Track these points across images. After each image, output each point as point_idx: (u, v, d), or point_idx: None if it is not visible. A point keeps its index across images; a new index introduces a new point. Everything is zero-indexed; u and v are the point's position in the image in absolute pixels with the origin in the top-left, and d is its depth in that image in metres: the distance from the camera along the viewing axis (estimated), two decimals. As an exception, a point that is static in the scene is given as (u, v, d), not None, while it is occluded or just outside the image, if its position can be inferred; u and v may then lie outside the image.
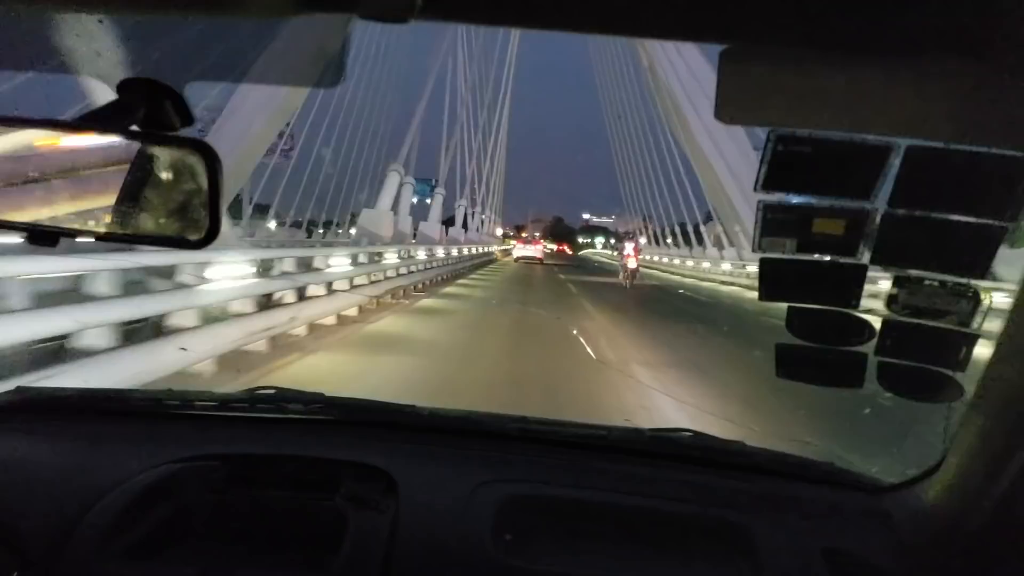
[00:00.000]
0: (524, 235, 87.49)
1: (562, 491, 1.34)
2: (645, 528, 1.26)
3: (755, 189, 1.02)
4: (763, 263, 1.11)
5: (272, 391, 1.68)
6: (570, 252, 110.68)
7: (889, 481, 1.35)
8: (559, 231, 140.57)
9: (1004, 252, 1.00)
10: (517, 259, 47.23)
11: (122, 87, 0.91)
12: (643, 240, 62.49)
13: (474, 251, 37.31)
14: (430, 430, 1.57)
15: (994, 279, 1.08)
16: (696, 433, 1.57)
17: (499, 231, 65.65)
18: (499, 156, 57.34)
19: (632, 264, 24.23)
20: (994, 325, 1.04)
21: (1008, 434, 1.00)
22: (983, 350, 1.06)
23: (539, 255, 48.20)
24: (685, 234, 46.87)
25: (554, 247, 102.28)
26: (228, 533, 1.22)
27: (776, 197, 1.06)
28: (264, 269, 9.28)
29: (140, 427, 1.53)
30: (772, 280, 1.13)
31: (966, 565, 1.09)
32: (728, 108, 0.93)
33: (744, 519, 1.26)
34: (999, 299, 1.05)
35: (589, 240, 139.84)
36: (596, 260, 69.76)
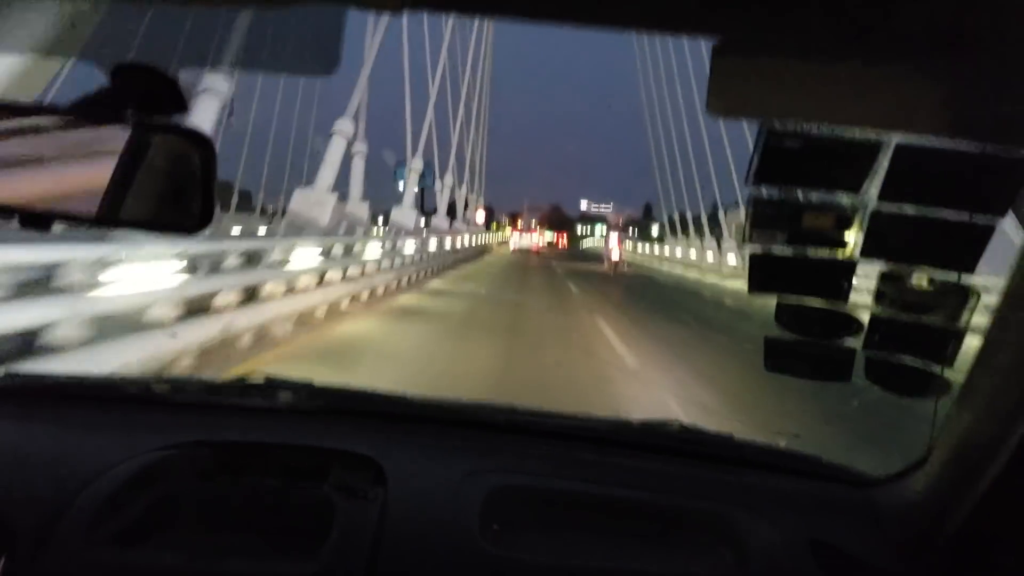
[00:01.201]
0: (520, 224, 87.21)
1: (550, 482, 1.35)
2: (632, 519, 1.27)
3: (745, 183, 1.02)
4: (753, 256, 1.12)
5: (261, 380, 1.68)
6: (565, 244, 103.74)
7: (876, 475, 1.37)
8: (556, 220, 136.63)
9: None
10: (515, 250, 48.04)
11: (116, 73, 0.91)
12: (655, 231, 62.43)
13: (476, 241, 38.52)
14: (419, 419, 1.58)
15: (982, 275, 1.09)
16: (684, 425, 1.58)
17: (480, 215, 52.42)
18: (483, 109, 50.21)
19: (615, 256, 28.07)
20: (981, 320, 1.05)
21: (993, 429, 1.01)
22: (970, 345, 1.07)
23: (536, 245, 49.55)
24: (713, 224, 44.50)
25: (551, 236, 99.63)
26: (216, 521, 1.22)
27: (766, 191, 1.06)
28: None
29: (129, 414, 1.52)
30: (761, 273, 1.13)
31: (951, 558, 1.10)
32: (719, 102, 0.93)
33: (731, 511, 1.27)
34: (986, 295, 1.06)
35: (588, 230, 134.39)
36: (595, 251, 65.93)
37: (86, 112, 0.94)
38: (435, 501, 1.25)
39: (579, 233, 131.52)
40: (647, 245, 61.94)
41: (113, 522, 1.14)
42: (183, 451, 1.32)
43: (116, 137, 0.95)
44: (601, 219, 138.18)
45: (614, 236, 30.04)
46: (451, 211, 35.88)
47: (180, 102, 0.94)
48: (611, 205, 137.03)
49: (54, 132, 0.95)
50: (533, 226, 71.23)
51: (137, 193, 0.96)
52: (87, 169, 0.96)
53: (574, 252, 64.26)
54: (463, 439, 1.50)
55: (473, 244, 36.77)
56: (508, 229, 71.89)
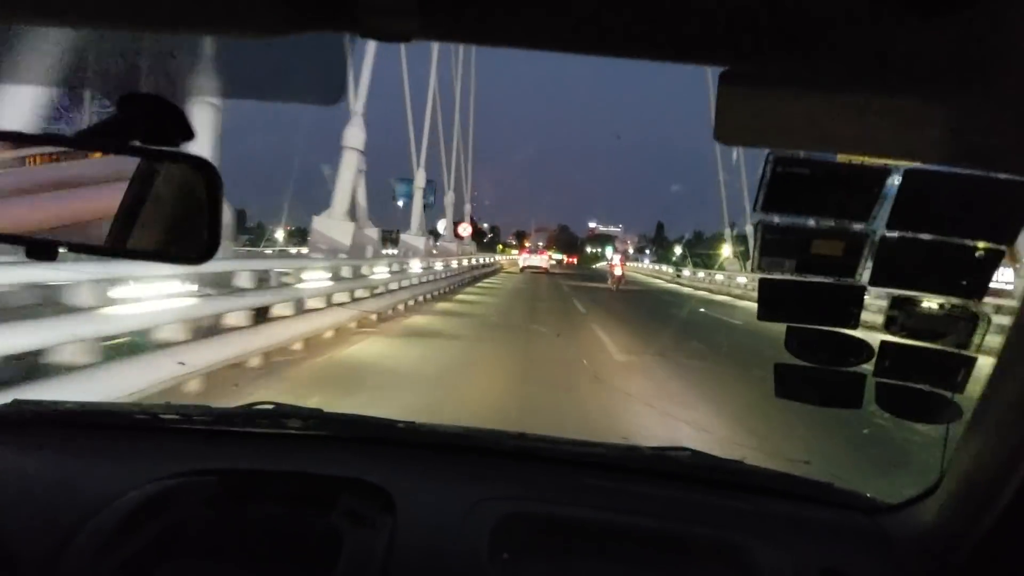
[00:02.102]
0: (527, 245, 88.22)
1: (560, 509, 1.34)
2: (642, 547, 1.26)
3: (753, 210, 1.02)
4: (762, 283, 1.11)
5: (270, 406, 1.68)
6: (574, 262, 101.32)
7: (887, 501, 1.35)
8: (564, 240, 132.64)
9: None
10: (523, 268, 48.85)
11: (123, 102, 0.92)
12: (677, 250, 62.88)
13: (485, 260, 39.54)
14: (428, 447, 1.57)
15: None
16: (694, 452, 1.56)
17: (466, 229, 40.82)
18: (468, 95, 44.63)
19: (618, 272, 31.70)
20: (992, 346, 1.04)
21: (1005, 455, 1.00)
22: (981, 372, 1.06)
23: (545, 265, 50.21)
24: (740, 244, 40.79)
25: (561, 257, 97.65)
26: (224, 549, 1.21)
27: (775, 218, 1.06)
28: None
29: (137, 441, 1.52)
30: (771, 300, 1.13)
31: None
32: (727, 129, 0.93)
33: (742, 538, 1.26)
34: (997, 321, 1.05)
35: (599, 250, 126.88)
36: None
37: (93, 142, 0.94)
38: (444, 529, 1.24)
39: (588, 253, 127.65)
40: (679, 269, 56.62)
41: (120, 550, 1.13)
42: (191, 479, 1.31)
43: (123, 167, 0.95)
44: (611, 239, 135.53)
45: (617, 258, 35.68)
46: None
47: (187, 131, 0.95)
48: (620, 227, 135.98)
49: (61, 162, 0.95)
50: (542, 248, 71.88)
51: (144, 223, 0.96)
52: (94, 199, 0.97)
53: (584, 274, 59.07)
54: (472, 466, 1.49)
55: (485, 263, 37.19)
56: (515, 252, 72.38)
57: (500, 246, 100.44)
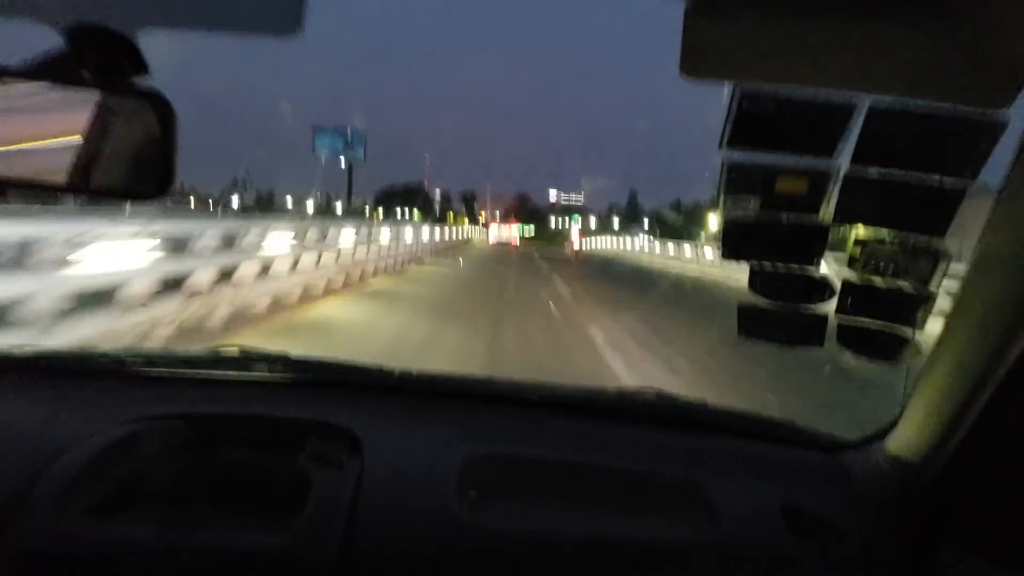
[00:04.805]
0: (482, 216, 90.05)
1: (526, 450, 1.35)
2: (607, 486, 1.28)
3: (719, 147, 1.01)
4: (726, 222, 1.11)
5: (236, 351, 1.66)
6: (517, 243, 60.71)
7: (847, 439, 1.38)
8: (524, 212, 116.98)
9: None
10: (494, 243, 56.47)
11: (72, 33, 0.88)
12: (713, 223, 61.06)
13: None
14: (396, 390, 1.57)
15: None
16: (660, 393, 1.58)
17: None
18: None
19: (576, 245, 37.96)
20: (952, 284, 1.06)
21: (961, 393, 1.02)
22: (941, 309, 1.07)
23: (513, 240, 58.64)
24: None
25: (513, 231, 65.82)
26: (190, 493, 1.21)
27: (740, 155, 1.06)
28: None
29: (101, 386, 1.50)
30: (735, 239, 1.13)
31: (920, 520, 1.12)
32: (693, 63, 0.92)
33: (704, 476, 1.28)
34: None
35: (564, 219, 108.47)
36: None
37: (40, 74, 0.90)
38: (412, 470, 1.24)
39: (552, 229, 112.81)
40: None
41: (86, 494, 1.12)
42: (157, 423, 1.30)
43: (73, 101, 0.92)
44: (576, 209, 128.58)
45: (576, 230, 42.71)
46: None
47: (140, 64, 0.92)
48: (582, 196, 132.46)
49: (5, 95, 0.91)
50: (514, 219, 74.95)
51: (96, 158, 0.93)
52: (41, 134, 0.93)
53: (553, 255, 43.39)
54: (440, 410, 1.49)
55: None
56: (466, 221, 73.21)
57: (451, 214, 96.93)
